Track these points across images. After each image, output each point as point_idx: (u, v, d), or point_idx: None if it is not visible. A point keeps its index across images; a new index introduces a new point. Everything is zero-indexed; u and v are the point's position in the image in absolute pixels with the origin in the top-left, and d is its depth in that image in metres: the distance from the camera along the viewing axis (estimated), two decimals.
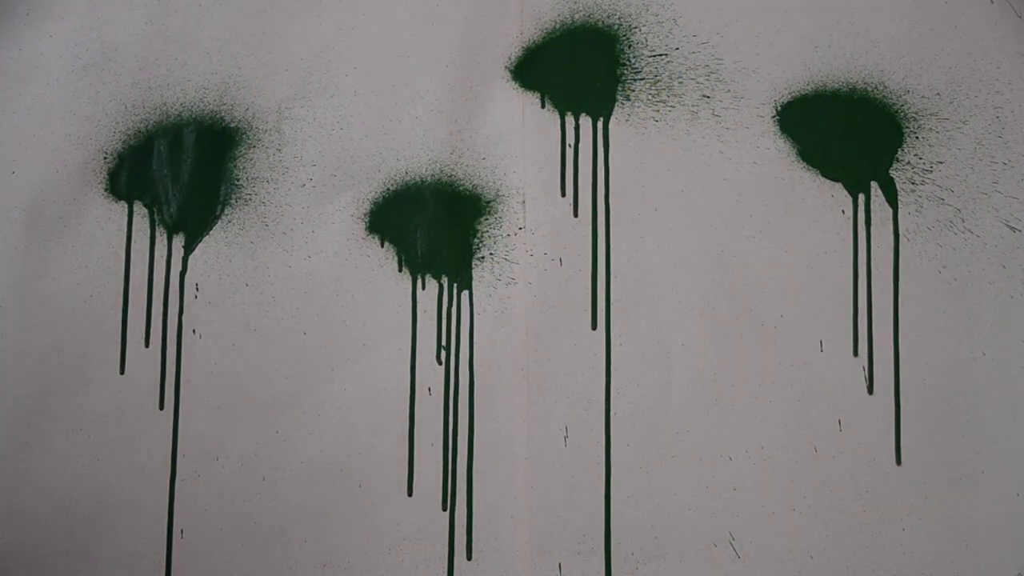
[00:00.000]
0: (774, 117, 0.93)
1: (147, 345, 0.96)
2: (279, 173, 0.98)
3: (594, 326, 0.93)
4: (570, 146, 0.95)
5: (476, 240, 0.95)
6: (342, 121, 0.98)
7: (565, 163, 0.95)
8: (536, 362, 0.93)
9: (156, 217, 0.98)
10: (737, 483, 0.89)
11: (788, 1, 0.95)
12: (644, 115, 0.95)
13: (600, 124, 0.95)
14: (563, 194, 0.94)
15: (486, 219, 0.95)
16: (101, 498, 0.94)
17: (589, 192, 0.94)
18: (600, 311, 0.93)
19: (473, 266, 0.95)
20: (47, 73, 1.00)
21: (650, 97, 0.95)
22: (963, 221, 0.90)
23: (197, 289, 0.97)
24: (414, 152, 0.97)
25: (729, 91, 0.94)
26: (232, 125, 0.99)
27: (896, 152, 0.92)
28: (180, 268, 0.97)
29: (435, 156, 0.96)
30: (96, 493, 0.94)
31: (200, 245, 0.97)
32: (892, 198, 0.91)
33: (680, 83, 0.95)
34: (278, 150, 0.98)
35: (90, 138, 0.99)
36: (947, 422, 0.88)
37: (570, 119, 0.95)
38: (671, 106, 0.95)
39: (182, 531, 0.94)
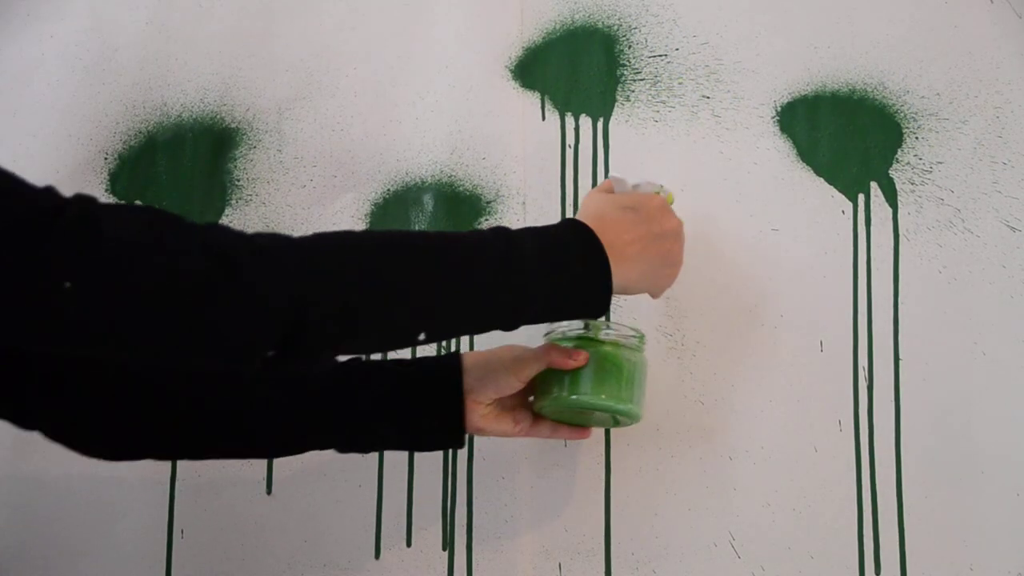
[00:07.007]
0: (774, 117, 0.93)
1: None
2: (279, 174, 0.98)
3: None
4: (570, 146, 0.95)
5: None
6: (343, 122, 0.98)
7: (565, 163, 0.95)
8: None
9: None
10: (737, 483, 0.89)
11: (788, 1, 0.95)
12: (644, 115, 0.95)
13: (600, 124, 0.95)
14: (563, 194, 0.94)
15: (486, 219, 0.95)
16: (101, 498, 0.94)
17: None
18: None
19: None
20: (48, 73, 1.00)
21: (650, 98, 0.95)
22: (963, 221, 0.90)
23: None
24: (414, 152, 0.97)
25: (729, 91, 0.94)
26: (232, 126, 0.99)
27: (896, 152, 0.92)
28: None
29: (435, 156, 0.96)
30: (96, 493, 0.94)
31: None
32: (892, 198, 0.91)
33: (680, 83, 0.95)
34: (279, 151, 0.98)
35: (91, 138, 0.99)
36: (947, 422, 0.88)
37: (570, 119, 0.95)
38: (671, 107, 0.95)
39: (182, 531, 0.94)
